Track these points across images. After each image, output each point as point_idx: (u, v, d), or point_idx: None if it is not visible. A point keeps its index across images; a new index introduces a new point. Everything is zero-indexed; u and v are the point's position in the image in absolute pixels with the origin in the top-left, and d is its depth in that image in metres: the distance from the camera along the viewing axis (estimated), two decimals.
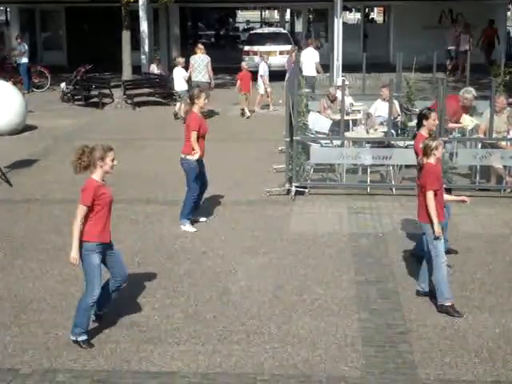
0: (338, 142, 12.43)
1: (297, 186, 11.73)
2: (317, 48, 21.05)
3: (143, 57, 25.09)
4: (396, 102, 13.85)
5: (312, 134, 13.20)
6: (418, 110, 14.30)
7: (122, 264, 7.16)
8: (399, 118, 14.08)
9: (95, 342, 6.96)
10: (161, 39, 31.52)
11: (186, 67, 19.34)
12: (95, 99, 21.59)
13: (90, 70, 22.97)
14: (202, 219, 10.52)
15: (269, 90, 20.44)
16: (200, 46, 19.61)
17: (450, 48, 27.17)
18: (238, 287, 8.26)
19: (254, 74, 21.23)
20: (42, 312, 7.63)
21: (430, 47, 20.91)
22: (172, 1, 24.56)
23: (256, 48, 27.03)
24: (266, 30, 33.59)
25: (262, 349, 6.83)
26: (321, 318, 7.45)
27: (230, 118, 19.39)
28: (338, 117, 13.04)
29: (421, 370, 6.45)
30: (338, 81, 19.29)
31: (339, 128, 12.19)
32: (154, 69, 23.14)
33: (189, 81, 19.12)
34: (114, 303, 7.62)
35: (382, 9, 39.30)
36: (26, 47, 24.61)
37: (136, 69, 23.29)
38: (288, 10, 43.71)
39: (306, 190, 11.90)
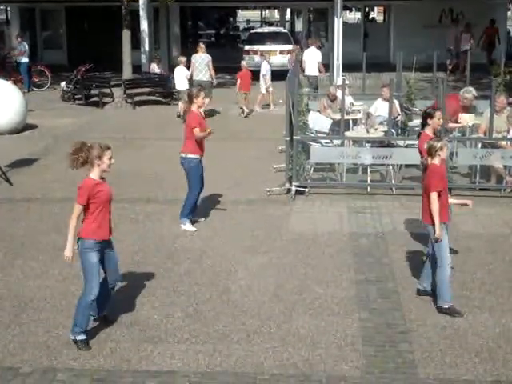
0: (338, 142, 12.44)
1: (297, 186, 11.73)
2: (319, 48, 21.08)
3: (143, 56, 25.10)
4: (396, 102, 13.85)
5: (312, 133, 13.20)
6: (418, 109, 14.36)
7: (117, 265, 7.16)
8: (399, 118, 14.08)
9: (95, 341, 6.96)
10: (161, 38, 31.52)
11: (188, 66, 19.35)
12: (95, 98, 21.59)
13: (90, 69, 22.97)
14: (201, 219, 10.51)
15: (270, 89, 20.46)
16: (201, 45, 19.62)
17: (450, 47, 27.17)
18: (238, 286, 8.27)
19: (254, 74, 21.27)
20: (42, 311, 7.64)
21: (431, 46, 20.92)
22: (172, 0, 24.56)
23: (256, 47, 27.04)
24: (267, 29, 33.61)
25: (262, 348, 6.84)
26: (321, 318, 7.45)
27: (230, 118, 19.39)
28: (338, 116, 13.04)
29: (421, 370, 6.45)
30: (338, 80, 19.31)
31: (339, 127, 12.19)
32: (155, 68, 23.15)
33: (190, 80, 19.15)
34: (114, 302, 7.63)
35: (382, 8, 39.28)
36: (27, 46, 24.61)
37: (136, 68, 23.29)
38: (288, 10, 43.74)
39: (306, 190, 11.90)
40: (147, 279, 8.45)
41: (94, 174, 6.77)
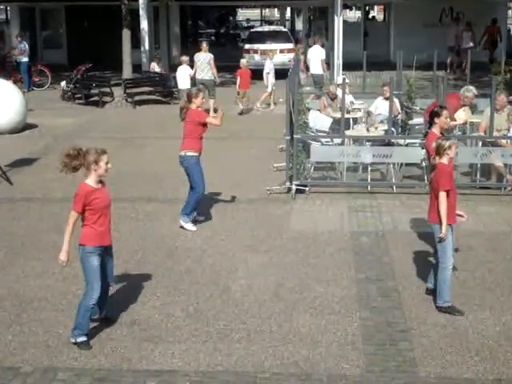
0: (339, 141, 12.43)
1: (297, 185, 11.73)
2: (322, 46, 21.14)
3: (143, 55, 25.09)
4: (396, 100, 13.85)
5: (312, 132, 13.19)
6: (418, 108, 14.35)
7: (112, 270, 7.16)
8: (399, 116, 14.07)
9: (96, 340, 6.96)
10: (161, 38, 31.51)
11: (191, 65, 19.39)
12: (95, 98, 21.58)
13: (90, 69, 22.96)
14: (200, 218, 10.49)
15: (273, 88, 20.47)
16: (203, 44, 19.66)
17: (451, 46, 27.16)
18: (238, 285, 8.27)
19: (255, 72, 21.28)
20: (42, 310, 7.64)
21: (431, 45, 20.90)
22: None
23: (256, 46, 27.05)
24: (267, 28, 33.61)
25: (263, 347, 6.83)
26: (321, 316, 7.45)
27: (230, 117, 19.34)
28: (338, 115, 13.03)
29: (421, 368, 6.45)
30: (339, 79, 19.31)
31: (339, 126, 12.18)
32: (155, 67, 23.15)
33: (193, 79, 19.19)
34: (115, 302, 7.64)
35: (382, 7, 39.26)
36: (27, 46, 24.61)
37: (136, 67, 23.28)
38: (288, 9, 43.73)
39: (307, 189, 11.89)
40: (148, 278, 8.45)
41: (91, 180, 6.74)
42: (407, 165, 12.68)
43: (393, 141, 12.28)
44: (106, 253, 6.94)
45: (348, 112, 14.11)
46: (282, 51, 26.35)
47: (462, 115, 12.80)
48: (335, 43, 25.13)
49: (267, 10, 60.61)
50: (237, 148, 15.23)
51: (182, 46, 31.62)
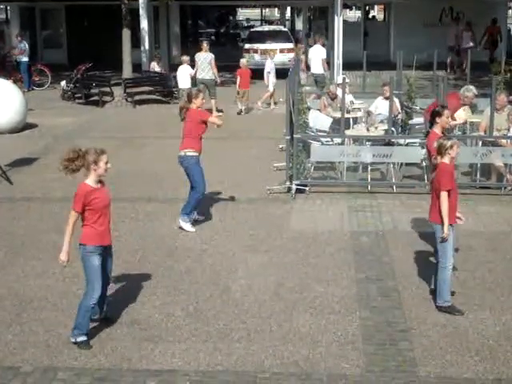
0: (339, 140, 12.43)
1: (297, 184, 11.73)
2: (323, 45, 21.17)
3: (143, 55, 25.07)
4: (396, 100, 13.85)
5: (312, 132, 13.19)
6: (418, 107, 14.36)
7: (110, 271, 7.16)
8: (400, 116, 14.08)
9: (96, 340, 6.96)
10: (161, 37, 31.50)
11: (192, 65, 19.41)
12: (95, 97, 21.58)
13: (90, 68, 22.96)
14: (200, 218, 10.48)
15: (271, 88, 20.48)
16: (204, 44, 19.68)
17: (451, 46, 27.16)
18: (238, 285, 8.27)
19: (255, 72, 21.28)
20: (42, 310, 7.64)
21: (431, 45, 20.90)
22: None
23: (256, 46, 27.05)
24: (267, 27, 33.59)
25: (263, 347, 6.84)
26: (321, 316, 7.45)
27: (230, 116, 19.37)
28: (338, 115, 13.03)
29: (421, 368, 6.45)
30: (339, 79, 19.32)
31: (340, 126, 12.18)
32: (155, 67, 23.15)
33: (194, 78, 19.22)
34: (115, 302, 7.64)
35: (382, 6, 39.27)
36: (27, 45, 24.61)
37: (136, 67, 23.28)
38: (288, 8, 43.73)
39: (307, 188, 11.89)
40: (148, 278, 8.45)
41: (90, 180, 6.74)
42: (407, 164, 12.69)
43: (393, 140, 12.29)
44: (106, 252, 6.95)
45: (348, 112, 14.11)
46: (282, 51, 26.33)
47: (462, 115, 12.81)
48: (335, 43, 25.13)
49: (267, 9, 60.58)
50: (237, 148, 15.23)
51: (181, 46, 31.62)
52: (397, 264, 8.85)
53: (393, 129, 12.54)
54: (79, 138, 16.25)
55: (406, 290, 8.09)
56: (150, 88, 22.19)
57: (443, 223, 7.33)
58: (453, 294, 7.75)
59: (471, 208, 10.63)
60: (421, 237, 9.72)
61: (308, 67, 21.21)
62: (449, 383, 6.24)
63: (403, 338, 7.02)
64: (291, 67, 15.63)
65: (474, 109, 13.59)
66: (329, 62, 22.17)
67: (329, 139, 12.82)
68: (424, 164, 12.01)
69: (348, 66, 24.34)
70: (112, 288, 8.04)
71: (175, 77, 21.02)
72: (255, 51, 26.89)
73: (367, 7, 38.16)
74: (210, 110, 18.04)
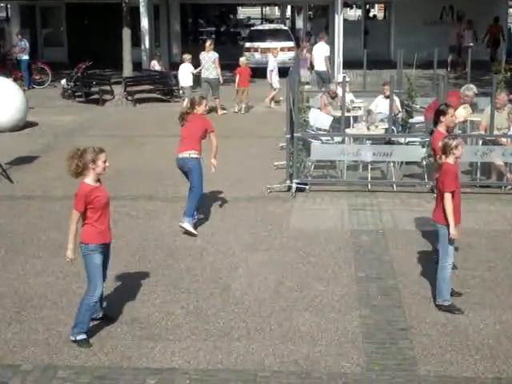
0: (339, 139, 12.42)
1: (297, 183, 11.73)
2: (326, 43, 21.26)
3: (144, 53, 25.08)
4: (397, 99, 13.85)
5: (313, 130, 13.19)
6: (418, 106, 14.35)
7: (107, 268, 7.17)
8: (400, 115, 14.08)
9: (96, 338, 6.96)
10: (161, 36, 31.48)
11: (195, 64, 19.45)
12: (96, 96, 21.58)
13: (90, 67, 22.95)
14: (200, 216, 10.46)
15: (277, 85, 20.49)
16: (208, 43, 19.70)
17: (453, 45, 27.14)
18: (238, 284, 8.27)
19: (256, 71, 21.27)
20: (42, 308, 7.64)
21: (431, 44, 20.89)
22: None
23: (257, 44, 27.04)
24: (267, 26, 33.58)
25: (263, 345, 6.84)
26: (321, 315, 7.45)
27: (231, 115, 19.39)
28: (338, 113, 13.03)
29: (421, 367, 6.46)
30: (339, 77, 19.31)
31: (340, 125, 12.18)
32: (155, 65, 23.15)
33: (198, 77, 19.27)
34: (115, 300, 7.64)
35: (382, 5, 39.26)
36: (27, 44, 24.62)
37: (137, 65, 23.28)
38: (289, 7, 43.73)
39: (307, 187, 11.89)
40: (148, 276, 8.45)
41: (90, 179, 6.75)
42: (407, 163, 12.69)
43: (393, 139, 12.29)
44: (106, 250, 6.97)
45: (348, 110, 14.11)
46: (282, 49, 26.31)
47: (462, 112, 12.80)
48: (336, 42, 25.11)
49: (267, 8, 60.58)
50: (237, 146, 15.22)
51: (182, 44, 31.60)
52: (397, 263, 8.85)
53: (393, 127, 12.54)
54: (79, 136, 16.26)
55: (406, 288, 8.10)
56: (151, 86, 22.18)
57: (448, 224, 7.32)
58: (460, 294, 7.76)
59: (471, 206, 10.63)
60: (421, 235, 9.72)
61: (311, 65, 21.23)
62: (449, 382, 6.25)
63: (403, 336, 7.02)
64: (291, 66, 15.63)
65: (474, 107, 13.59)
66: (329, 60, 22.15)
67: (329, 138, 12.82)
68: (424, 163, 12.01)
69: (348, 64, 24.33)
70: (112, 286, 8.07)
71: (175, 75, 21.04)
72: (256, 50, 26.90)
73: (367, 6, 38.15)
74: (213, 109, 18.14)
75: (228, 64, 24.71)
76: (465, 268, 8.59)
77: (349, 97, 14.76)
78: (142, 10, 25.05)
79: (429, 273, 8.31)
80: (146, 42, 25.18)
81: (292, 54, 25.39)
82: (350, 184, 12.21)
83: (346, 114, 12.77)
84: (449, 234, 7.34)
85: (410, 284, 8.20)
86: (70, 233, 6.73)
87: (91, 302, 6.82)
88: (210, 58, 19.11)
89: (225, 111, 19.37)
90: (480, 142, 12.26)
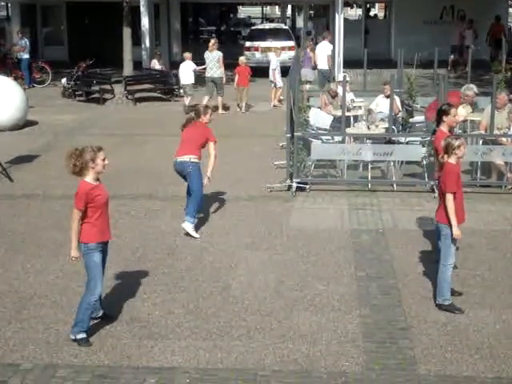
0: (339, 138, 12.42)
1: (298, 182, 11.73)
2: (330, 42, 21.27)
3: (144, 52, 25.08)
4: (397, 98, 13.84)
5: (313, 130, 13.19)
6: (419, 106, 14.35)
7: (104, 266, 7.17)
8: (400, 114, 14.08)
9: (96, 337, 6.96)
10: (162, 35, 31.48)
11: (198, 63, 19.52)
12: (96, 95, 21.58)
13: (90, 66, 22.96)
14: (201, 215, 10.44)
15: (272, 85, 20.48)
16: (212, 42, 19.74)
17: (455, 45, 27.12)
18: (238, 283, 8.27)
19: (256, 70, 21.27)
20: (42, 307, 7.64)
21: (432, 43, 20.88)
22: None
23: (257, 44, 27.03)
24: (267, 25, 33.57)
25: (263, 344, 6.84)
26: (321, 314, 7.45)
27: (231, 114, 19.39)
28: (339, 113, 13.03)
29: (421, 366, 6.45)
30: (339, 76, 19.31)
31: (340, 124, 12.18)
32: (155, 64, 23.14)
33: (202, 74, 19.35)
34: (115, 299, 7.64)
35: (383, 4, 39.25)
36: (28, 42, 24.62)
37: (137, 64, 23.26)
38: (289, 6, 43.72)
39: (307, 186, 11.89)
40: (148, 275, 8.45)
41: (89, 177, 6.75)
42: (408, 163, 12.69)
43: (393, 139, 12.28)
44: (105, 248, 6.98)
45: (349, 110, 14.12)
46: (282, 49, 26.29)
47: (462, 112, 12.81)
48: (336, 41, 25.11)
49: (268, 7, 60.57)
50: (238, 145, 15.22)
51: (182, 44, 31.60)
52: (397, 262, 8.85)
53: (393, 127, 12.53)
54: (80, 135, 16.26)
55: (406, 287, 8.10)
56: (151, 85, 22.18)
57: (450, 224, 7.31)
58: (460, 294, 7.76)
59: (472, 206, 10.58)
60: (421, 235, 9.72)
61: (315, 64, 21.24)
62: (449, 381, 6.24)
63: (403, 336, 7.02)
64: (292, 65, 15.61)
65: (474, 107, 13.59)
66: (331, 60, 22.16)
67: (329, 137, 12.81)
68: (424, 162, 12.01)
69: (349, 63, 24.33)
70: (112, 285, 8.07)
71: (175, 74, 21.05)
72: (256, 49, 26.89)
73: (368, 5, 38.13)
74: (216, 108, 18.15)
75: (229, 63, 24.67)
76: (465, 267, 8.59)
77: (349, 96, 14.77)
78: (143, 9, 25.05)
79: (429, 272, 8.31)
80: (147, 41, 25.18)
81: (292, 53, 25.37)
82: (350, 183, 12.20)
83: (347, 114, 12.77)
84: (451, 234, 7.34)
85: (409, 283, 8.20)
86: (72, 232, 6.74)
87: (91, 300, 6.83)
88: (214, 57, 19.19)
89: (225, 111, 19.36)
90: (480, 142, 12.26)
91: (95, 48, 27.04)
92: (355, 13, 46.19)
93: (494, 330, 7.10)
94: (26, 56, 24.24)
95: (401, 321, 7.33)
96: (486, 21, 28.54)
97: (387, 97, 13.19)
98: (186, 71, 19.45)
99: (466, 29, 27.13)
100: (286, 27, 31.04)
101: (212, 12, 51.99)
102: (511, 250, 9.23)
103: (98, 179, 6.85)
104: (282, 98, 20.15)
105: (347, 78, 14.07)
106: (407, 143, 12.32)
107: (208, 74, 19.27)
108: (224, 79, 19.48)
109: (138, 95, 21.39)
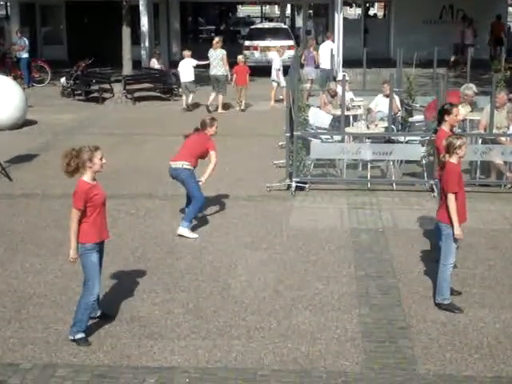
0: (339, 138, 12.42)
1: (297, 182, 11.72)
2: (333, 41, 21.33)
3: (143, 52, 25.09)
4: (396, 98, 13.85)
5: (312, 129, 13.18)
6: (418, 105, 14.35)
7: (101, 263, 7.17)
8: (400, 114, 14.08)
9: (95, 337, 6.96)
10: (161, 34, 31.48)
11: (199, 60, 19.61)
12: (95, 94, 21.56)
13: (90, 65, 22.94)
14: (200, 214, 10.43)
15: (275, 85, 20.47)
16: (215, 40, 19.75)
17: (456, 43, 27.12)
18: (238, 282, 8.26)
19: (256, 70, 21.26)
20: (41, 307, 7.64)
21: (431, 43, 20.88)
22: None
23: (256, 43, 27.02)
24: (267, 25, 33.56)
25: (263, 344, 6.83)
26: (321, 313, 7.45)
27: (231, 113, 19.39)
28: (338, 112, 13.03)
29: (421, 366, 6.45)
30: (339, 76, 19.31)
31: (340, 123, 12.18)
32: (155, 64, 23.12)
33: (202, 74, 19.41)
34: (114, 298, 7.64)
35: (382, 4, 39.26)
36: (27, 42, 24.60)
37: (136, 64, 23.26)
38: (288, 5, 43.70)
39: (307, 186, 11.89)
40: (147, 275, 8.44)
41: (87, 177, 6.75)
42: (407, 162, 12.68)
43: (393, 138, 12.28)
44: (102, 247, 6.97)
45: (348, 109, 14.11)
46: (281, 48, 26.30)
47: (461, 111, 12.79)
48: (336, 40, 25.11)
49: (267, 6, 60.58)
50: (237, 145, 15.22)
51: (182, 43, 31.59)
52: (396, 261, 8.85)
53: (393, 126, 12.53)
54: (79, 134, 16.25)
55: (405, 287, 8.09)
56: (150, 85, 22.16)
57: (451, 224, 7.31)
58: (459, 293, 7.76)
59: (471, 206, 10.54)
60: (421, 234, 9.72)
61: (317, 63, 21.23)
62: (448, 381, 6.24)
63: (403, 335, 7.02)
64: (291, 64, 15.60)
65: (474, 106, 13.59)
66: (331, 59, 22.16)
67: (329, 136, 12.81)
68: (424, 161, 12.01)
69: (348, 63, 24.33)
70: (111, 285, 8.07)
71: (175, 73, 21.04)
72: (255, 48, 26.88)
73: (367, 4, 38.14)
74: (216, 107, 18.18)
75: (228, 62, 24.73)
76: (464, 267, 8.58)
77: (348, 95, 14.77)
78: (142, 8, 25.04)
79: (428, 271, 8.32)
80: (146, 41, 25.18)
81: (292, 52, 25.36)
82: (349, 183, 12.20)
83: (346, 113, 12.77)
84: (453, 233, 7.33)
85: (409, 283, 8.20)
86: (72, 232, 6.73)
87: (90, 300, 6.82)
88: (217, 55, 19.27)
89: (225, 111, 19.35)
90: (480, 141, 12.26)
91: (94, 47, 27.01)
92: (354, 12, 46.22)
93: (493, 330, 7.10)
94: (25, 55, 24.22)
95: (400, 320, 7.33)
96: (486, 20, 28.57)
97: (386, 96, 13.19)
98: (186, 69, 19.47)
99: (466, 28, 27.13)
100: (286, 26, 31.03)
101: (211, 11, 52.00)
102: (511, 250, 9.23)
103: (94, 179, 6.85)
104: (281, 97, 20.17)
105: (346, 78, 14.06)
106: (406, 142, 12.32)
107: (212, 72, 19.35)
108: (228, 77, 19.53)
109: (137, 94, 21.38)
